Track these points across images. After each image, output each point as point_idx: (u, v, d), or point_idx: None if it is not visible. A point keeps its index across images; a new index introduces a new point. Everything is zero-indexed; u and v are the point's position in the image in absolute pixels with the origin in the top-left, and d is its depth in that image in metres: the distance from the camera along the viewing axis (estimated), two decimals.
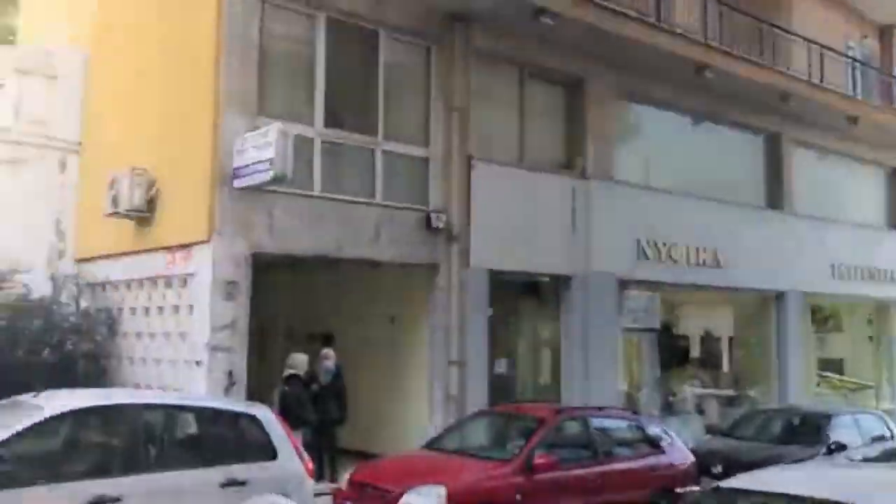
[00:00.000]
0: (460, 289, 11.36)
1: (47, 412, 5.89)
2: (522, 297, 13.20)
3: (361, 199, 10.65)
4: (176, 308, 10.04)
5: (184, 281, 9.90)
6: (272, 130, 9.04)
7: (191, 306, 9.71)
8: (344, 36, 10.77)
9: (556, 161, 13.37)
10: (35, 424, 5.73)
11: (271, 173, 8.98)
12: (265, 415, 6.92)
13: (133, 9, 11.57)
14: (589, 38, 12.43)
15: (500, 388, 11.91)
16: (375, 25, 11.00)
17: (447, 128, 11.50)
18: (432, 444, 9.23)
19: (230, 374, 9.29)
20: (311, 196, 10.18)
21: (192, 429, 6.94)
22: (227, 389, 9.20)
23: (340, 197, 10.43)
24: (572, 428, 9.23)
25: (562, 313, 12.92)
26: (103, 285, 11.41)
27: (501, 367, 12.38)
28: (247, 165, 9.28)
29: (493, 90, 12.47)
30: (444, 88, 11.55)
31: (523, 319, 13.44)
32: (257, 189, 9.44)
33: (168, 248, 10.07)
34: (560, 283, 12.83)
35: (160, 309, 10.33)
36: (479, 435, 9.56)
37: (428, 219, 11.11)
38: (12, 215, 11.38)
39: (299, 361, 10.06)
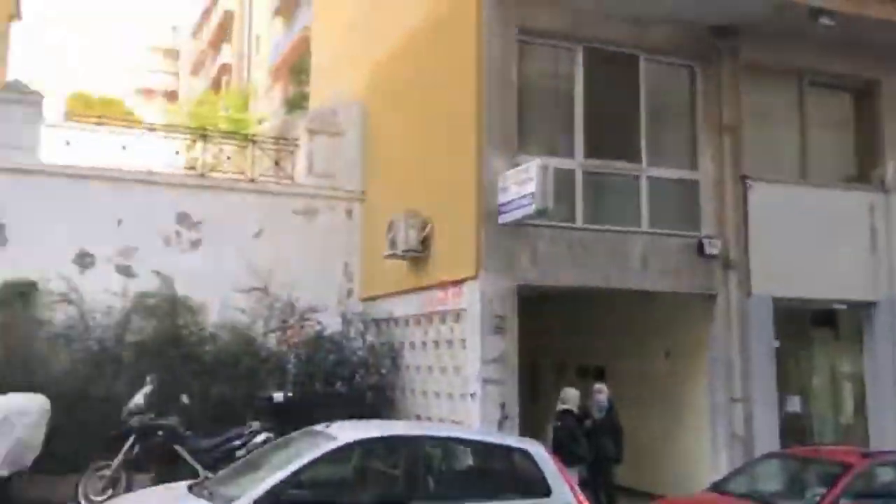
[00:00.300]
0: (741, 319, 10.55)
1: (338, 442, 6.33)
2: (815, 326, 11.93)
3: (627, 228, 10.35)
4: (450, 342, 10.41)
5: (456, 316, 10.25)
6: (532, 166, 9.14)
7: (463, 340, 10.00)
8: (602, 65, 10.65)
9: (848, 175, 12.05)
10: (328, 453, 6.19)
11: (533, 207, 9.05)
12: (538, 450, 6.86)
13: (400, 61, 12.42)
14: (880, 35, 11.06)
15: (792, 429, 10.84)
16: (634, 50, 10.74)
17: (718, 148, 10.84)
18: (718, 487, 8.56)
19: (502, 407, 9.39)
20: (575, 228, 10.10)
21: (468, 461, 7.08)
22: (501, 423, 9.30)
23: (605, 227, 10.23)
24: (886, 475, 8.05)
25: (865, 344, 11.50)
26: (386, 321, 12.20)
27: (794, 405, 11.23)
28: (510, 201, 9.45)
29: (767, 104, 11.60)
30: (712, 107, 10.92)
31: (817, 352, 12.11)
32: (521, 224, 9.56)
33: (441, 285, 10.51)
34: (860, 310, 11.44)
35: (436, 343, 10.78)
36: (770, 479, 8.69)
37: (700, 245, 10.49)
38: (308, 260, 12.63)
39: (571, 396, 9.89)
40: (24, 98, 12.00)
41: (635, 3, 10.32)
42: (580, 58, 10.50)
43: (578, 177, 10.25)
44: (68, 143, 12.38)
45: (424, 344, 11.10)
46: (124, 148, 12.70)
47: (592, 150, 10.37)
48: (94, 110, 35.72)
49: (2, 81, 16.33)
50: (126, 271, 11.87)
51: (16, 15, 24.43)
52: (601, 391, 10.30)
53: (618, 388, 10.60)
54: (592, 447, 9.67)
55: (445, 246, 10.55)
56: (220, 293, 11.76)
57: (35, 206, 11.45)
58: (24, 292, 11.06)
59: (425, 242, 10.85)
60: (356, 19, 14.71)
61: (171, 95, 63.52)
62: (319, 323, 12.15)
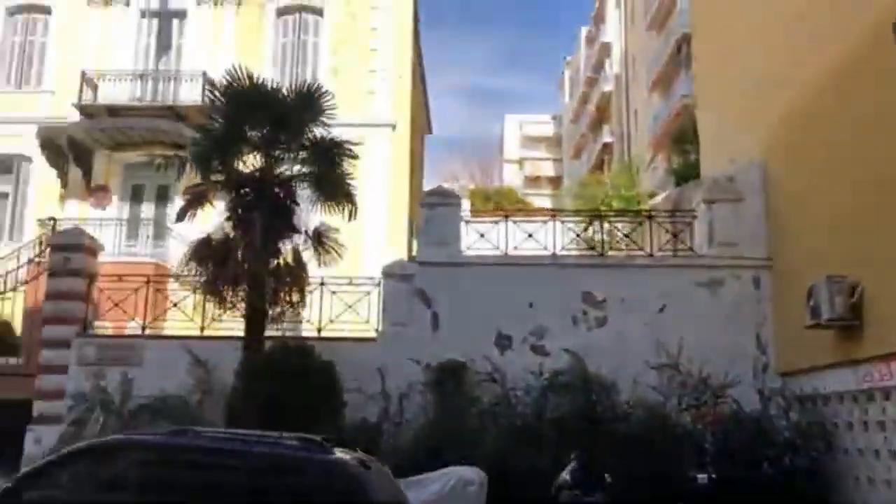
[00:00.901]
0: None
1: None
2: None
3: None
4: None
5: None
6: None
7: None
8: None
9: None
10: None
11: None
12: None
13: (803, 116, 11.56)
14: None
15: None
16: None
17: None
18: None
19: None
20: None
21: None
22: None
23: None
24: None
25: None
26: (813, 398, 11.08)
27: None
28: None
29: None
30: None
31: None
32: None
33: (882, 357, 9.26)
34: None
35: (880, 424, 9.46)
36: None
37: None
38: (717, 334, 12.10)
39: None
40: (447, 200, 13.66)
41: None
42: None
43: None
44: (482, 235, 13.66)
45: (865, 424, 9.83)
46: (530, 235, 13.63)
47: None
48: (490, 201, 39.47)
49: (421, 184, 18.73)
50: (540, 350, 12.56)
51: (428, 129, 28.30)
52: None
53: None
54: None
55: (883, 312, 9.33)
56: (629, 370, 11.77)
57: (460, 294, 12.80)
58: (455, 372, 12.27)
59: (856, 309, 9.73)
60: (745, 81, 14.14)
61: (554, 180, 67.48)
62: (735, 400, 11.47)
